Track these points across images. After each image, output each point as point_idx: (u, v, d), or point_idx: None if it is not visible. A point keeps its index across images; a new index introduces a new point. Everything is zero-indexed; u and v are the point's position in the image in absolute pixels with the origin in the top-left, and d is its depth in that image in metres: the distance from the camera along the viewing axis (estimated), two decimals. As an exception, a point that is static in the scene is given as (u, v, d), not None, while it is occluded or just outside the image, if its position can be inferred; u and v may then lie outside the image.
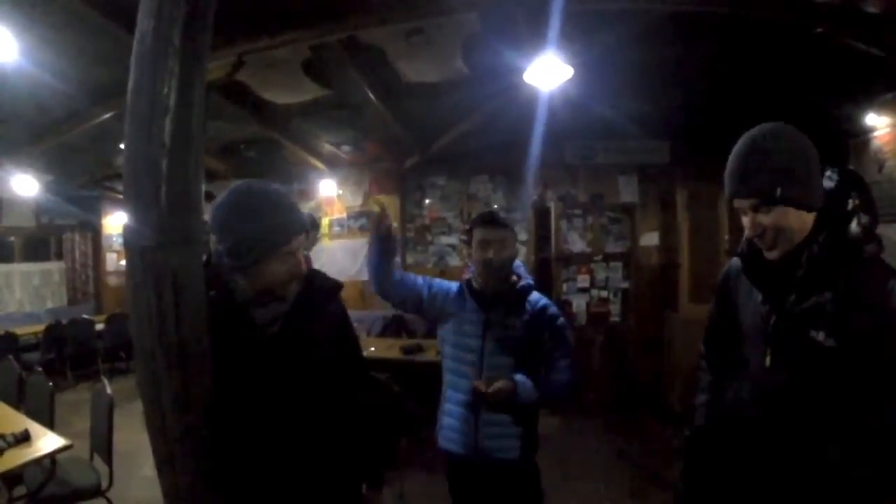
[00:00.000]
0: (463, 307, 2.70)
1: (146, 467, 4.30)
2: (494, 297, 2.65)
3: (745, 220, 1.65)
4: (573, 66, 3.96)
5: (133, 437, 4.60)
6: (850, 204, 1.59)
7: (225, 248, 1.79)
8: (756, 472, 1.70)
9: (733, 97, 4.73)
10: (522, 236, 7.19)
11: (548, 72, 3.97)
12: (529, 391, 2.51)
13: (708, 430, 2.00)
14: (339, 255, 7.68)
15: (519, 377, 2.52)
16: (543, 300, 2.72)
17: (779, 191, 1.55)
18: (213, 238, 1.82)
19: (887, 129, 4.40)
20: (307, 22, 3.17)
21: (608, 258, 6.98)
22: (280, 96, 4.84)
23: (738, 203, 1.65)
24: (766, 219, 1.60)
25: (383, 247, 2.62)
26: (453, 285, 2.80)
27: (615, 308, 7.03)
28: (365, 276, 7.31)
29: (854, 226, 1.56)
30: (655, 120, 6.15)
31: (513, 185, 7.22)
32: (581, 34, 3.71)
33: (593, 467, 5.00)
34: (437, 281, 2.80)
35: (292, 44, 3.47)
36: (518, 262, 2.79)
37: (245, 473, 1.77)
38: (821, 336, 1.53)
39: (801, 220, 1.59)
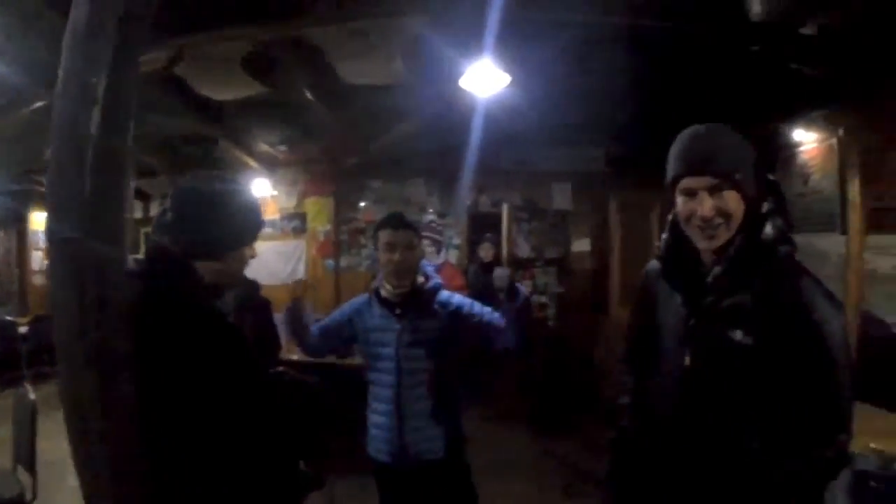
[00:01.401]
0: (372, 316, 2.71)
1: (73, 477, 4.15)
2: (403, 301, 2.66)
3: (689, 205, 1.65)
4: (510, 73, 4.01)
5: (59, 446, 4.40)
6: (766, 208, 1.65)
7: (188, 239, 1.76)
8: (679, 470, 1.73)
9: (668, 108, 4.87)
10: (456, 241, 7.24)
11: (485, 78, 4.01)
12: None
13: (632, 430, 2.02)
14: (271, 258, 7.40)
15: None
16: (455, 298, 2.76)
17: (737, 175, 1.59)
18: (164, 233, 1.81)
19: (814, 145, 4.61)
20: (250, 18, 3.11)
21: (548, 263, 7.09)
22: (218, 92, 4.74)
23: (689, 182, 1.65)
24: (719, 202, 1.61)
25: (294, 326, 2.73)
26: (357, 301, 2.82)
27: (551, 312, 7.15)
28: (298, 277, 7.26)
29: (769, 228, 1.61)
30: (591, 128, 6.26)
31: (448, 190, 7.23)
32: (520, 42, 3.75)
33: (528, 467, 5.08)
34: (340, 310, 2.86)
35: (234, 40, 3.40)
36: (425, 262, 2.83)
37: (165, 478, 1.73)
38: (738, 335, 1.57)
39: (740, 209, 1.62)
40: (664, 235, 1.86)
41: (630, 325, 2.15)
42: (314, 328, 2.83)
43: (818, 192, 4.60)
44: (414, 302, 2.66)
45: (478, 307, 2.76)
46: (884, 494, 0.89)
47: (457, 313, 2.71)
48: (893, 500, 0.85)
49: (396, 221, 2.64)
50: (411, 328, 2.63)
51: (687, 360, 1.71)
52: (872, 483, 0.93)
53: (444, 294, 2.76)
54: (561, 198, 7.14)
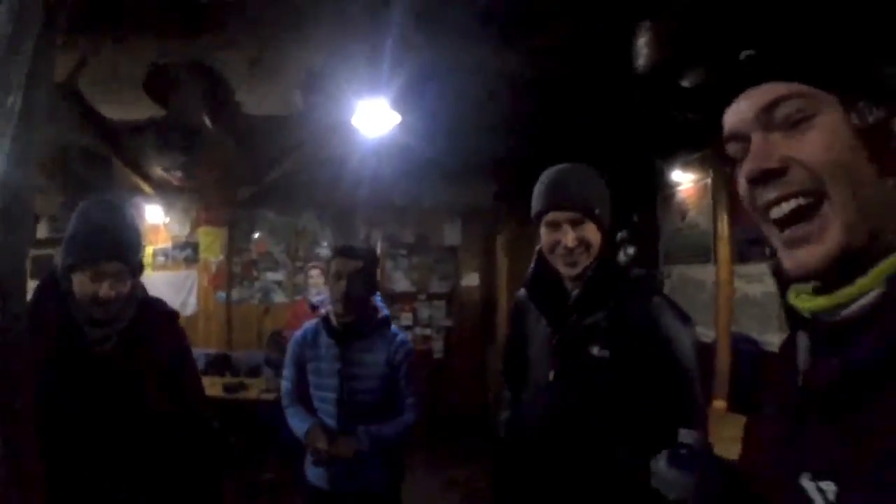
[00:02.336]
0: (318, 345, 2.72)
1: None
2: (350, 330, 2.66)
3: (554, 235, 1.85)
4: (403, 111, 4.21)
5: None
6: (619, 237, 1.89)
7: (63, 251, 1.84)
8: (550, 477, 1.86)
9: (555, 148, 5.17)
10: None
11: (376, 116, 4.18)
12: (374, 440, 2.60)
13: (509, 443, 2.18)
14: (162, 288, 6.93)
15: (361, 429, 2.60)
16: (401, 335, 2.80)
17: (596, 210, 1.82)
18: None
19: (691, 185, 5.07)
20: (155, 34, 3.14)
21: (432, 297, 7.26)
22: (116, 111, 4.64)
23: (555, 216, 1.85)
24: (580, 233, 1.82)
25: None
26: (303, 331, 2.81)
27: (438, 345, 7.30)
28: (189, 312, 7.05)
29: (622, 255, 1.85)
30: (482, 167, 6.52)
31: (341, 223, 7.33)
32: (411, 83, 3.94)
33: (435, 499, 5.25)
34: (289, 356, 2.83)
35: (136, 53, 3.41)
36: (377, 295, 2.84)
37: (67, 494, 1.74)
38: (596, 350, 1.74)
39: (598, 240, 1.84)
40: (531, 265, 2.04)
41: (506, 346, 2.32)
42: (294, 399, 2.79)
43: (694, 227, 5.05)
44: (362, 333, 2.67)
45: (414, 370, 2.80)
46: (689, 458, 1.09)
47: (400, 349, 2.73)
48: (698, 462, 1.04)
49: (345, 249, 2.66)
50: (358, 361, 2.65)
51: (551, 375, 1.89)
52: (683, 451, 1.13)
53: (394, 328, 2.79)
54: (451, 233, 7.39)
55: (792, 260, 0.82)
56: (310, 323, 2.85)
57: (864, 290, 0.76)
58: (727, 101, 0.90)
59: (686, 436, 1.15)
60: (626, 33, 3.40)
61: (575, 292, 1.87)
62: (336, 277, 2.61)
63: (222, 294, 7.26)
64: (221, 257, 7.22)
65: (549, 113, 4.85)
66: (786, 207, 0.81)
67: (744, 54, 0.89)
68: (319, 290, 5.30)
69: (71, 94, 4.09)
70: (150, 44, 3.25)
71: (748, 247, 4.41)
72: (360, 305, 2.65)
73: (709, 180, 4.85)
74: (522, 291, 2.13)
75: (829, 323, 0.81)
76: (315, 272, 5.64)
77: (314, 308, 5.00)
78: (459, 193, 7.21)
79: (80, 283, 1.86)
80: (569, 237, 1.83)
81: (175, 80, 4.04)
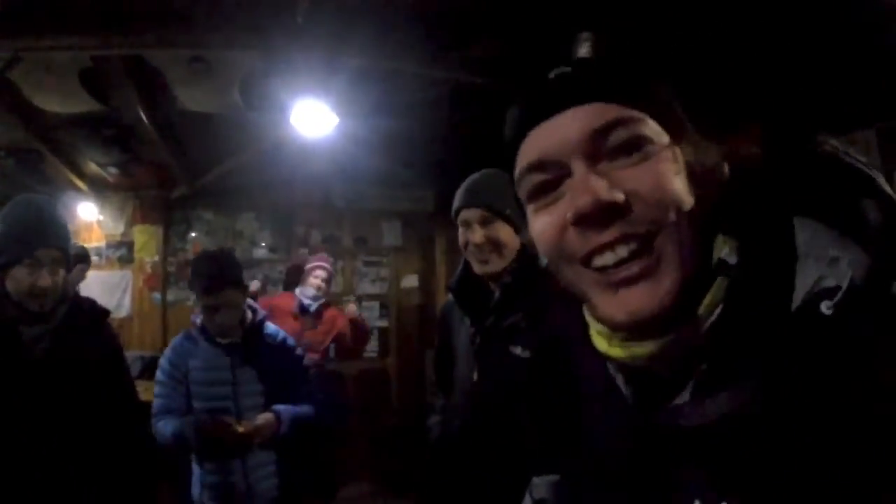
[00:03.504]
0: (199, 354, 2.69)
1: None
2: (231, 344, 2.69)
3: (466, 234, 1.97)
4: (341, 114, 4.25)
5: None
6: None
7: None
8: (479, 478, 1.92)
9: (495, 154, 5.25)
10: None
11: (313, 118, 4.22)
12: (290, 419, 2.65)
13: (441, 445, 2.26)
14: (95, 288, 6.50)
15: (277, 407, 2.64)
16: (281, 332, 2.87)
17: (507, 209, 1.90)
18: None
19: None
20: (91, 29, 3.11)
21: (361, 298, 7.25)
22: (50, 103, 4.55)
23: (465, 214, 1.97)
24: (489, 232, 1.92)
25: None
26: (175, 346, 2.77)
27: (371, 346, 7.30)
28: (123, 314, 6.84)
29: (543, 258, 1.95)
30: (422, 171, 6.60)
31: (280, 224, 7.27)
32: (349, 85, 3.99)
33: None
34: (163, 371, 2.74)
35: (72, 49, 3.37)
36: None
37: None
38: (518, 349, 1.82)
39: (513, 241, 1.94)
40: (458, 268, 2.14)
41: (435, 352, 2.43)
42: (169, 421, 2.63)
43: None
44: (244, 342, 2.71)
45: (301, 364, 2.91)
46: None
47: (283, 346, 2.81)
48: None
49: (210, 285, 2.59)
50: (245, 366, 2.68)
51: (475, 375, 1.99)
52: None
53: (272, 328, 2.84)
54: (391, 235, 7.44)
55: (621, 306, 0.70)
56: (175, 341, 2.80)
57: (684, 337, 0.69)
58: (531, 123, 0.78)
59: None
60: (564, 44, 3.51)
61: (496, 294, 1.96)
62: (209, 313, 2.62)
63: (157, 295, 7.08)
64: (157, 257, 7.04)
65: (487, 120, 4.94)
66: (621, 252, 0.69)
67: (555, 72, 0.78)
68: (318, 294, 4.93)
69: (3, 86, 4.01)
70: (87, 41, 3.22)
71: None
72: (237, 324, 2.73)
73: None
74: (451, 297, 2.21)
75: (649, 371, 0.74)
76: (322, 273, 5.04)
77: (303, 310, 4.87)
78: (399, 196, 7.24)
79: (16, 278, 1.90)
80: (476, 235, 1.93)
81: (112, 75, 3.99)
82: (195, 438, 2.51)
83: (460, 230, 2.01)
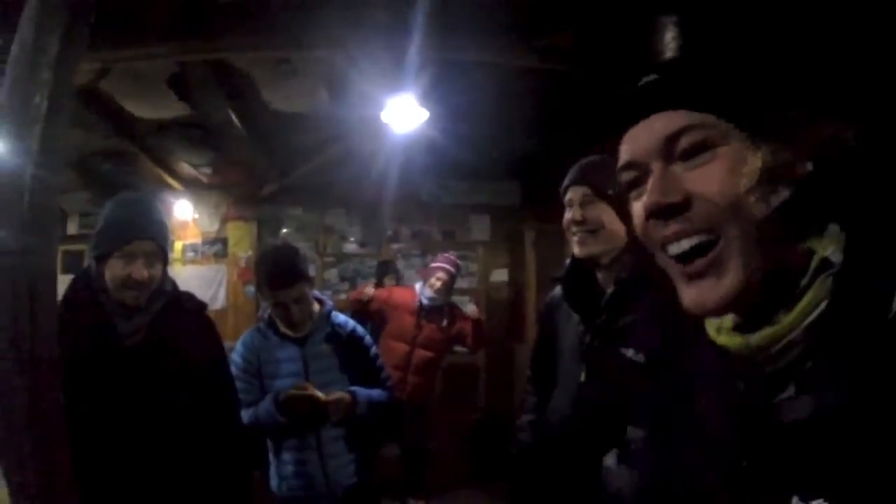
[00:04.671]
0: (270, 349, 2.69)
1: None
2: (301, 337, 2.68)
3: (568, 214, 1.85)
4: (430, 108, 4.18)
5: None
6: None
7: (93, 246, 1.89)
8: (573, 483, 1.82)
9: (581, 146, 5.08)
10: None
11: (404, 113, 4.18)
12: (366, 400, 2.62)
13: (533, 447, 2.15)
14: (192, 283, 6.76)
15: (353, 388, 2.62)
16: (350, 322, 2.83)
17: (610, 189, 1.77)
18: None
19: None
20: (176, 37, 3.15)
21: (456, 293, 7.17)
22: (142, 109, 4.69)
23: (570, 193, 1.86)
24: (587, 212, 1.80)
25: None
26: (245, 340, 2.75)
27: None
28: (218, 306, 7.09)
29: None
30: (508, 163, 6.51)
31: (368, 219, 7.30)
32: (438, 79, 3.93)
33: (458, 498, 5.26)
34: (236, 365, 2.70)
35: (159, 58, 3.43)
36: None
37: (99, 486, 1.76)
38: (630, 352, 1.68)
39: (620, 230, 1.79)
40: (567, 261, 2.01)
41: (535, 347, 2.30)
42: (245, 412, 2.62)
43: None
44: (316, 332, 2.70)
45: (373, 353, 2.86)
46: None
47: (352, 336, 2.77)
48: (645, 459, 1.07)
49: (280, 280, 2.57)
50: (317, 355, 2.67)
51: (582, 377, 1.86)
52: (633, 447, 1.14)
53: (340, 317, 2.81)
54: (479, 229, 7.34)
55: (690, 296, 0.80)
56: (245, 337, 2.78)
57: (783, 332, 0.74)
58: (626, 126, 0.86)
59: (632, 433, 1.15)
60: (648, 29, 3.35)
61: (609, 291, 1.83)
62: (281, 309, 2.61)
63: (251, 288, 7.26)
64: (250, 252, 7.23)
65: (573, 110, 4.78)
66: (685, 244, 0.78)
67: (644, 80, 0.85)
68: (435, 297, 4.90)
69: (95, 96, 4.13)
70: (174, 47, 3.25)
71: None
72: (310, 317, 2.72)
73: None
74: (557, 289, 2.09)
75: (754, 364, 0.78)
76: (443, 276, 4.95)
77: (422, 308, 4.92)
78: (486, 189, 7.18)
79: (113, 268, 1.92)
80: (576, 213, 1.83)
81: (200, 79, 4.05)
82: (274, 410, 2.52)
83: (565, 210, 1.89)
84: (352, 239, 7.36)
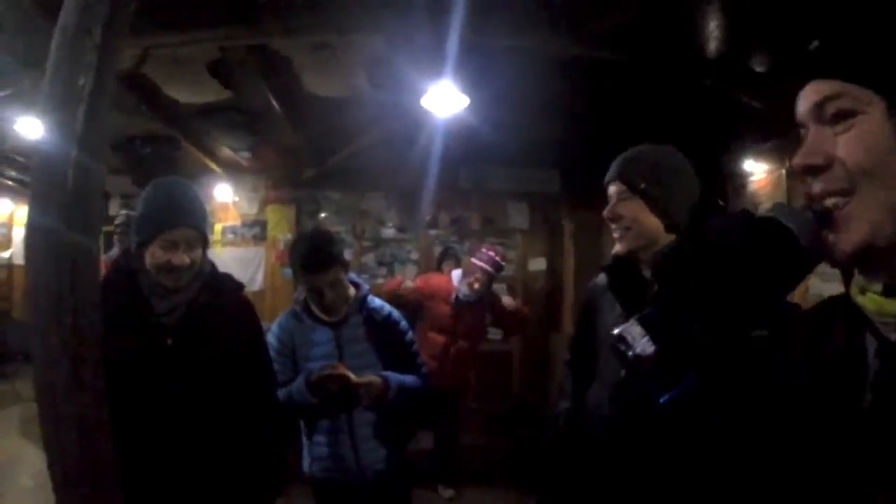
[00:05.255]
0: (304, 332, 2.69)
1: (24, 477, 4.02)
2: (337, 321, 2.67)
3: (607, 209, 1.85)
4: (469, 95, 4.14)
5: (10, 446, 4.28)
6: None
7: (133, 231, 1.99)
8: (613, 475, 1.81)
9: (622, 134, 5.00)
10: (414, 255, 7.34)
11: (444, 99, 4.14)
12: (398, 385, 2.61)
13: (568, 435, 2.12)
14: (231, 264, 6.78)
15: (385, 373, 2.61)
16: (387, 307, 2.81)
17: (642, 184, 1.75)
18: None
19: (763, 175, 4.79)
20: (216, 23, 3.17)
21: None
22: (182, 94, 4.74)
23: (610, 188, 1.85)
24: (624, 209, 1.79)
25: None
26: (281, 323, 2.75)
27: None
28: (256, 287, 7.19)
29: None
30: (547, 150, 6.42)
31: (406, 205, 7.31)
32: (478, 65, 3.87)
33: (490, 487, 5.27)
34: (273, 348, 2.67)
35: (200, 43, 3.45)
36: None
37: (137, 463, 1.78)
38: None
39: (654, 224, 1.78)
40: (612, 251, 1.99)
41: (574, 333, 2.27)
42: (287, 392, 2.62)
43: (767, 220, 4.79)
44: (350, 314, 2.69)
45: (409, 336, 2.85)
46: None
47: (387, 320, 2.77)
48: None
49: (315, 263, 2.57)
50: (352, 339, 2.67)
51: (623, 372, 1.83)
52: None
53: (376, 301, 2.80)
54: (517, 217, 7.29)
55: (827, 248, 0.85)
56: (281, 319, 2.79)
57: None
58: (793, 90, 0.91)
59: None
60: (693, 16, 3.27)
61: (654, 284, 1.80)
62: (316, 293, 2.60)
63: (288, 270, 7.30)
64: (289, 235, 7.28)
65: (616, 97, 4.70)
66: (827, 202, 0.84)
67: (813, 45, 0.88)
68: (471, 295, 4.86)
69: (136, 80, 4.17)
70: (213, 33, 3.26)
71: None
72: (345, 301, 2.71)
73: (783, 171, 4.54)
74: (601, 277, 2.05)
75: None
76: (483, 278, 4.86)
77: (458, 301, 4.90)
78: (526, 177, 7.10)
79: (153, 254, 1.96)
80: (609, 209, 1.83)
81: (239, 64, 4.06)
82: (305, 390, 2.51)
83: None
84: (389, 224, 7.38)
